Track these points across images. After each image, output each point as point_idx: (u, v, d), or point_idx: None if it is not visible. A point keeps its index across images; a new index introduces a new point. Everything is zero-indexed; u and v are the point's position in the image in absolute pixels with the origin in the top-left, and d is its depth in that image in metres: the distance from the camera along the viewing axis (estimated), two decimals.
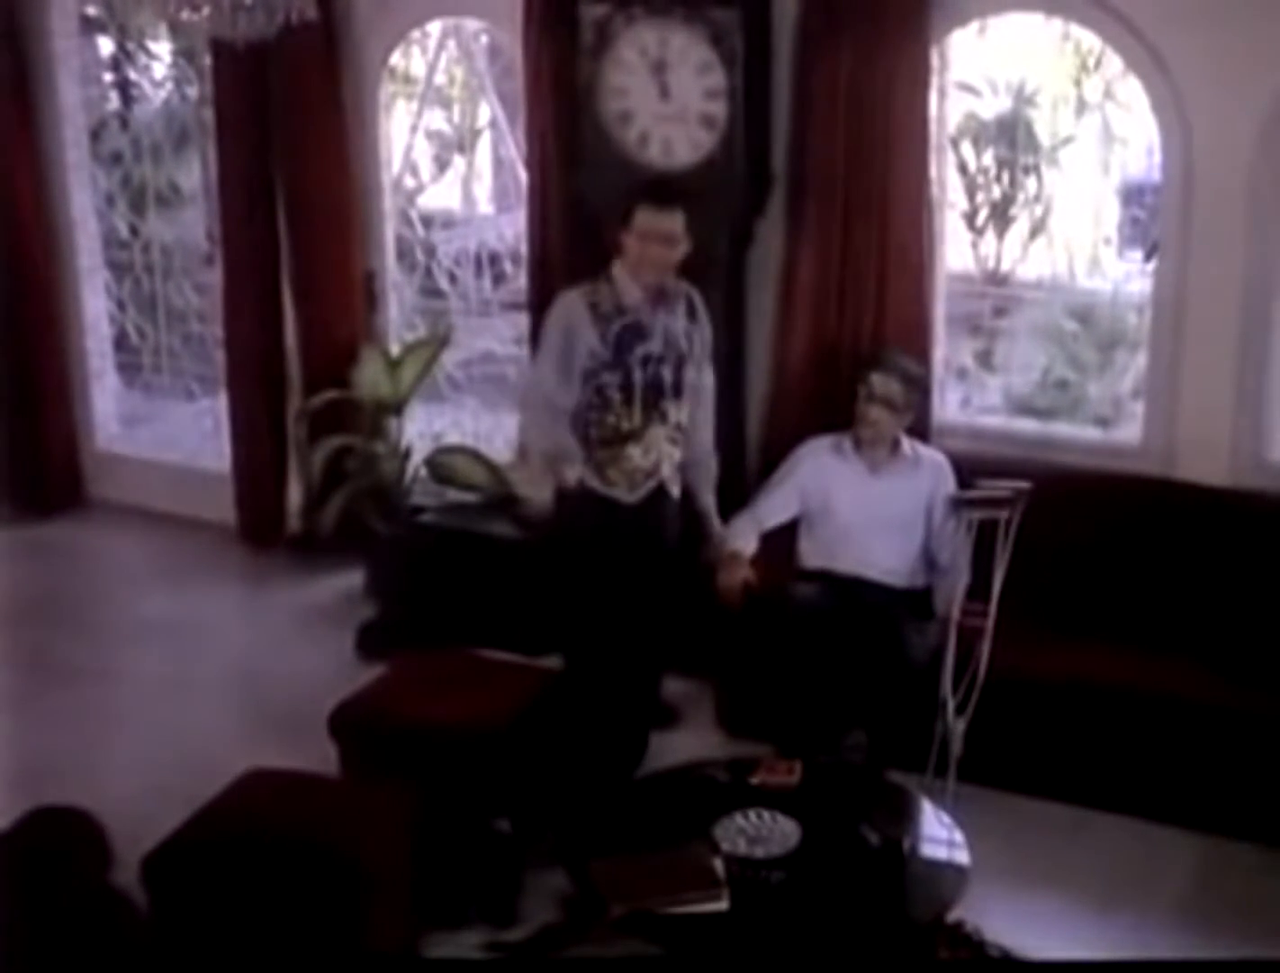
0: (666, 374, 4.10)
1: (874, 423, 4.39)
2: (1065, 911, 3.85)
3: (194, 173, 6.70)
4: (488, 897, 3.76)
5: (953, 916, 3.55)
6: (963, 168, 7.01)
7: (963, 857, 3.56)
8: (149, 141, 6.51)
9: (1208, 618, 4.34)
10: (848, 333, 4.78)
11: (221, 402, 6.20)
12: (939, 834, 3.65)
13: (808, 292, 4.80)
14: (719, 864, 3.38)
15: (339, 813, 3.59)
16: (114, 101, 7.35)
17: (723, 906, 3.29)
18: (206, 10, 3.96)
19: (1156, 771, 4.14)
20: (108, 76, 7.40)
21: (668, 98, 4.76)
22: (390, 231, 5.94)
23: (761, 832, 3.49)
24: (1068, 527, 4.48)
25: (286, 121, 5.65)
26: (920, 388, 4.49)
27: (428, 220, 6.33)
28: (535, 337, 5.37)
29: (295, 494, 5.99)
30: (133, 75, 7.31)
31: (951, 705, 3.88)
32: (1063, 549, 4.48)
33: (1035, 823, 4.15)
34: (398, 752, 4.00)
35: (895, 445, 4.47)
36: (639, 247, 4.03)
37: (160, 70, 7.34)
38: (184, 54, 6.55)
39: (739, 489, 4.84)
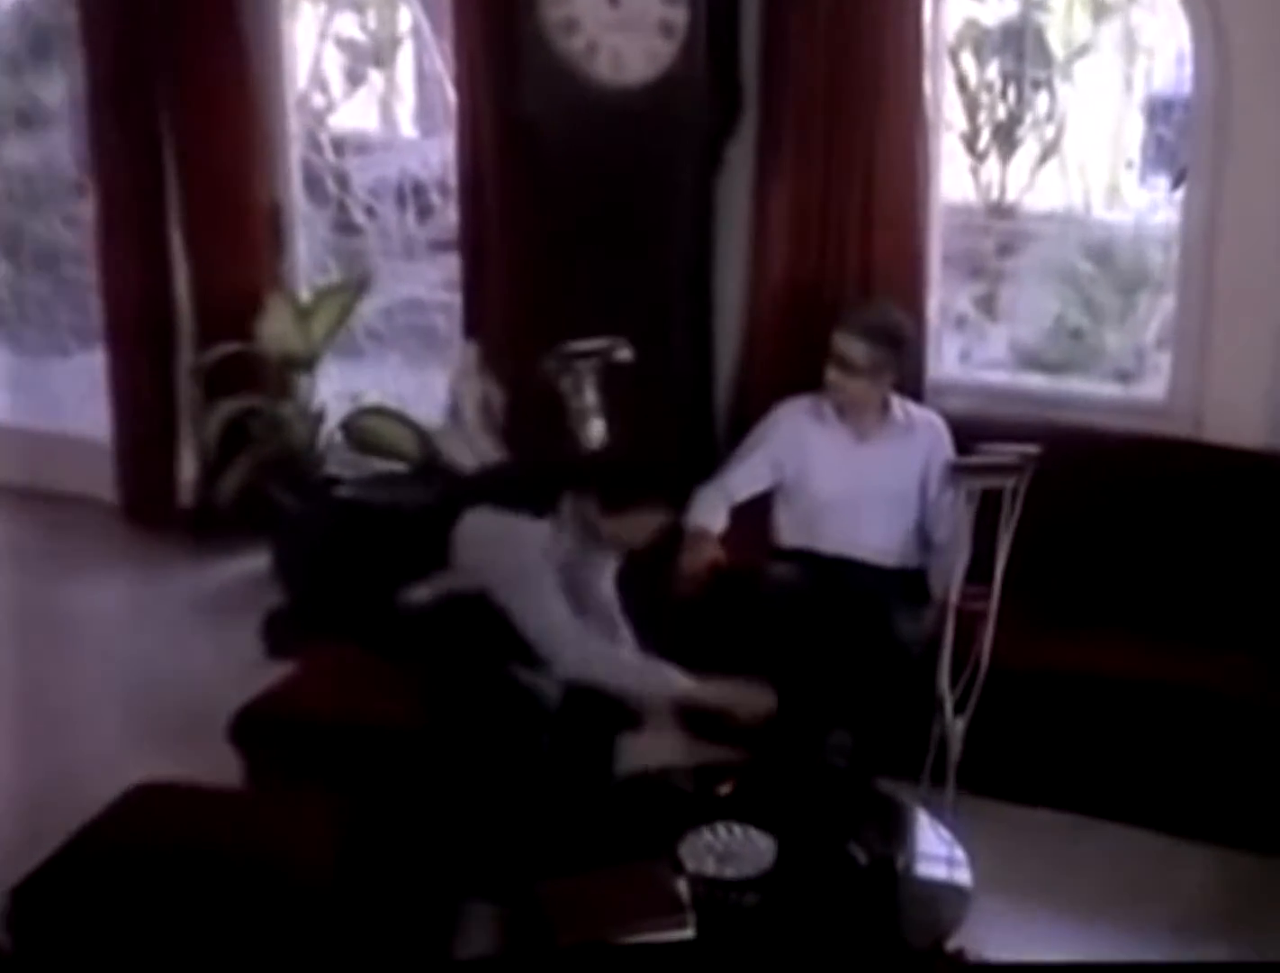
0: None
1: (834, 386, 4.45)
2: (1078, 934, 3.90)
3: (58, 86, 6.64)
4: (421, 921, 3.79)
5: (953, 943, 3.60)
6: (962, 83, 7.02)
7: (964, 876, 3.59)
8: (4, 50, 6.46)
9: (1243, 599, 4.40)
10: (830, 275, 4.82)
11: (100, 358, 6.18)
12: (936, 851, 3.68)
13: (784, 227, 4.85)
14: (683, 886, 3.39)
15: (244, 831, 3.60)
16: None
17: (688, 933, 3.31)
18: None
19: (1182, 777, 4.20)
20: None
21: (619, 2, 4.78)
22: (296, 157, 5.94)
23: (732, 848, 3.51)
24: (1082, 496, 4.55)
25: (169, 24, 5.61)
26: (896, 344, 4.48)
27: (340, 144, 6.31)
28: (468, 279, 5.41)
29: (188, 464, 5.99)
30: None
31: (949, 702, 3.91)
32: (1076, 522, 4.55)
33: (1045, 837, 4.21)
34: (312, 759, 4.02)
35: (884, 408, 4.51)
36: None
37: None
38: None
39: (706, 458, 4.88)
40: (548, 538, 3.93)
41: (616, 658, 3.92)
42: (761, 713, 3.92)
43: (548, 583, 3.90)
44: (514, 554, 3.91)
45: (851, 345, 4.40)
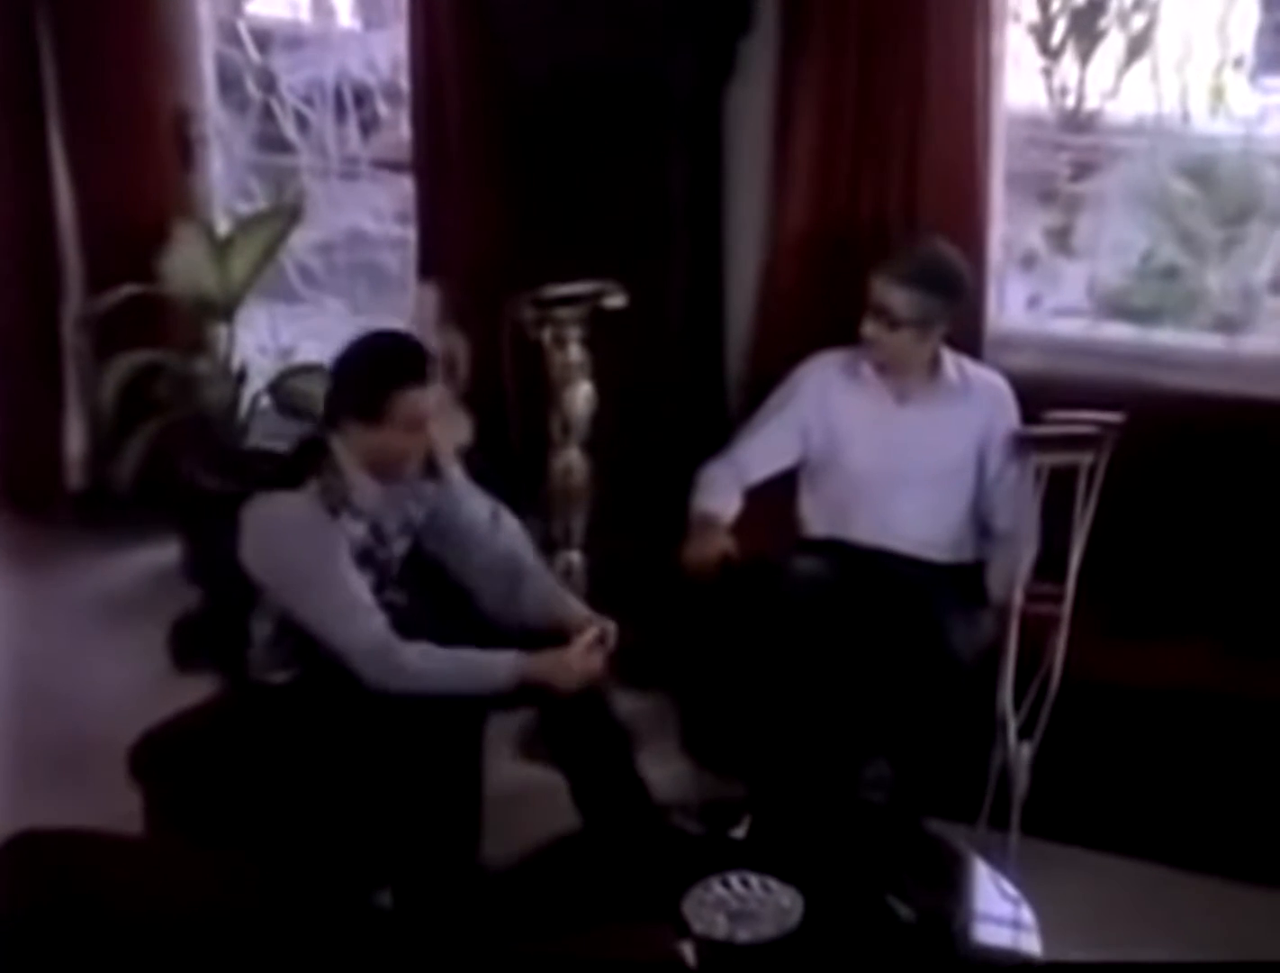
0: None
1: (872, 342, 4.49)
2: None
3: None
4: None
5: None
6: None
7: (1030, 942, 3.65)
8: None
9: None
10: (868, 204, 4.86)
11: None
12: (997, 909, 3.73)
13: (812, 146, 4.87)
14: (688, 951, 3.44)
15: (147, 887, 3.62)
16: None
17: None
18: None
19: None
20: None
21: None
22: (208, 53, 5.94)
23: (749, 905, 3.56)
24: (1176, 474, 4.61)
25: None
26: (948, 291, 4.52)
27: (263, 38, 6.30)
28: (424, 207, 5.44)
29: (77, 436, 6.01)
30: None
31: (1013, 726, 3.95)
32: (1168, 506, 4.60)
33: (1131, 892, 4.23)
34: (230, 800, 4.05)
35: (933, 365, 4.57)
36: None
37: None
38: None
39: (715, 427, 4.93)
40: (315, 510, 3.87)
41: (428, 659, 3.88)
42: (587, 676, 3.95)
43: (336, 576, 3.87)
44: (286, 550, 3.89)
45: (893, 293, 4.44)
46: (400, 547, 4.09)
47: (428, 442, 3.98)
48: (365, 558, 3.96)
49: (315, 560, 3.87)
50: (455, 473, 4.15)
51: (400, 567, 4.09)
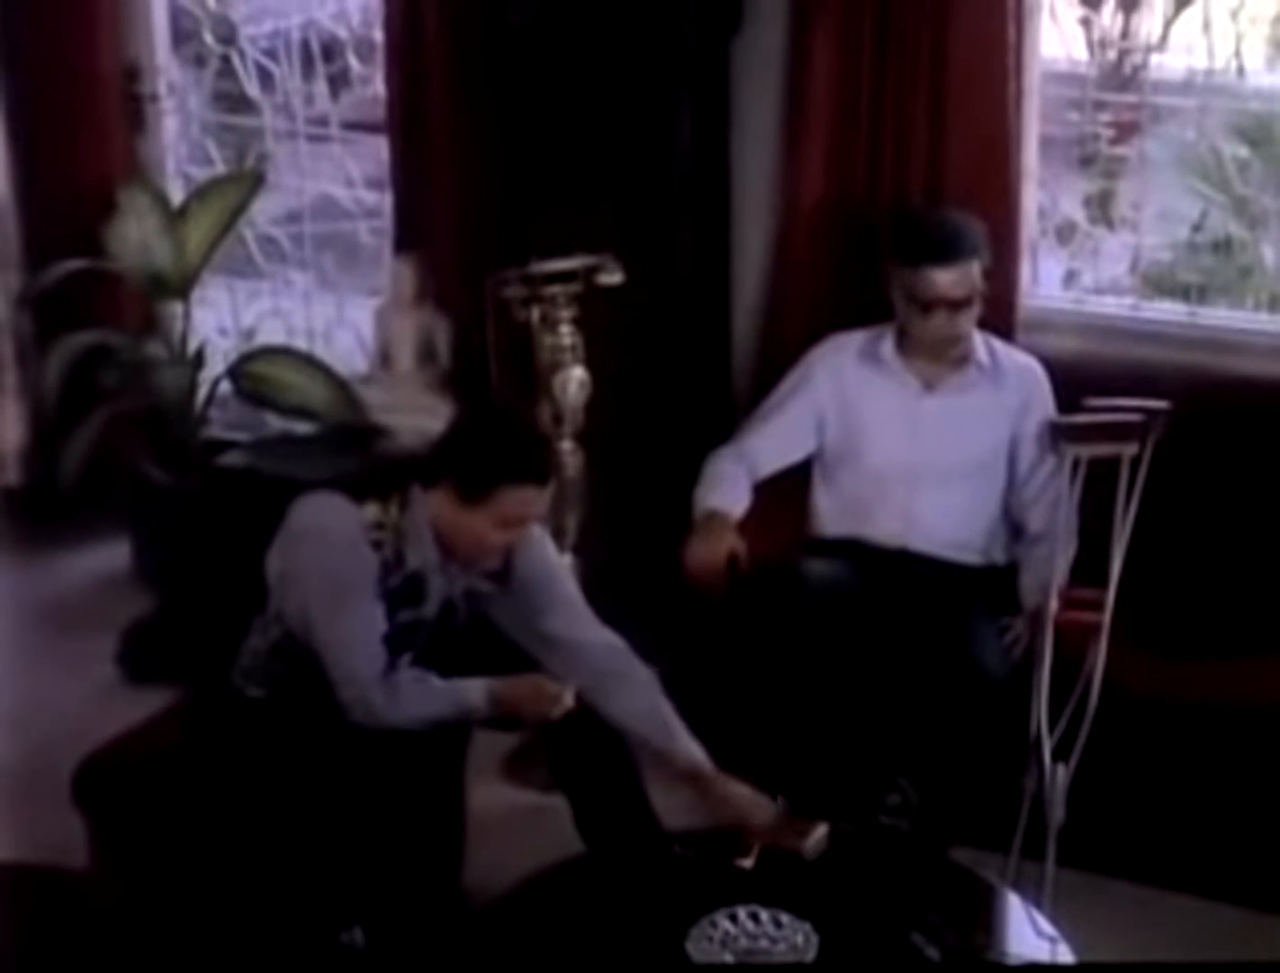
0: None
1: (939, 332, 4.51)
2: None
3: None
4: None
5: None
6: None
7: None
8: None
9: None
10: (889, 170, 4.87)
11: None
12: (1031, 947, 3.72)
13: (827, 105, 4.88)
14: None
15: (90, 925, 3.63)
16: None
17: None
18: None
19: None
20: None
21: None
22: (160, 1, 5.94)
23: (758, 942, 3.56)
24: (1228, 468, 4.63)
25: None
26: (983, 246, 4.55)
27: None
28: (400, 173, 5.45)
29: (16, 426, 6.01)
30: None
31: (1048, 746, 3.96)
32: (1220, 504, 4.62)
33: (1178, 930, 4.23)
34: (184, 828, 4.06)
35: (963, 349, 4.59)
36: None
37: None
38: None
39: (722, 418, 4.95)
40: (362, 537, 3.90)
41: (401, 696, 3.90)
42: (548, 706, 3.95)
43: (362, 602, 3.90)
44: (329, 561, 3.92)
45: (950, 277, 4.45)
46: (432, 610, 4.07)
47: (516, 540, 4.01)
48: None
49: (347, 581, 3.89)
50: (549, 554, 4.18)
51: (429, 637, 4.08)
